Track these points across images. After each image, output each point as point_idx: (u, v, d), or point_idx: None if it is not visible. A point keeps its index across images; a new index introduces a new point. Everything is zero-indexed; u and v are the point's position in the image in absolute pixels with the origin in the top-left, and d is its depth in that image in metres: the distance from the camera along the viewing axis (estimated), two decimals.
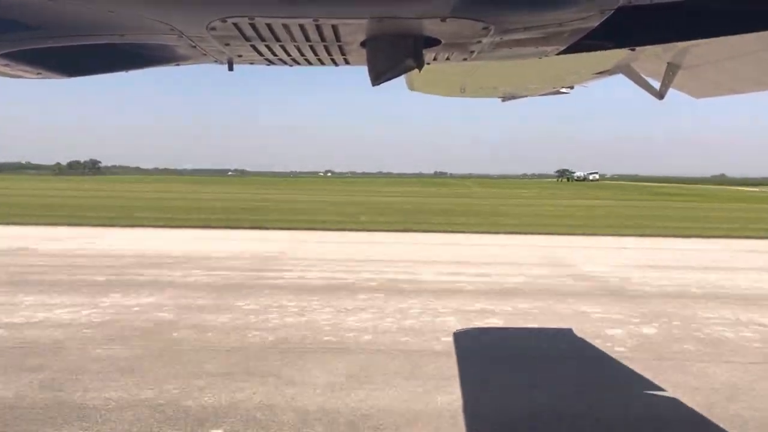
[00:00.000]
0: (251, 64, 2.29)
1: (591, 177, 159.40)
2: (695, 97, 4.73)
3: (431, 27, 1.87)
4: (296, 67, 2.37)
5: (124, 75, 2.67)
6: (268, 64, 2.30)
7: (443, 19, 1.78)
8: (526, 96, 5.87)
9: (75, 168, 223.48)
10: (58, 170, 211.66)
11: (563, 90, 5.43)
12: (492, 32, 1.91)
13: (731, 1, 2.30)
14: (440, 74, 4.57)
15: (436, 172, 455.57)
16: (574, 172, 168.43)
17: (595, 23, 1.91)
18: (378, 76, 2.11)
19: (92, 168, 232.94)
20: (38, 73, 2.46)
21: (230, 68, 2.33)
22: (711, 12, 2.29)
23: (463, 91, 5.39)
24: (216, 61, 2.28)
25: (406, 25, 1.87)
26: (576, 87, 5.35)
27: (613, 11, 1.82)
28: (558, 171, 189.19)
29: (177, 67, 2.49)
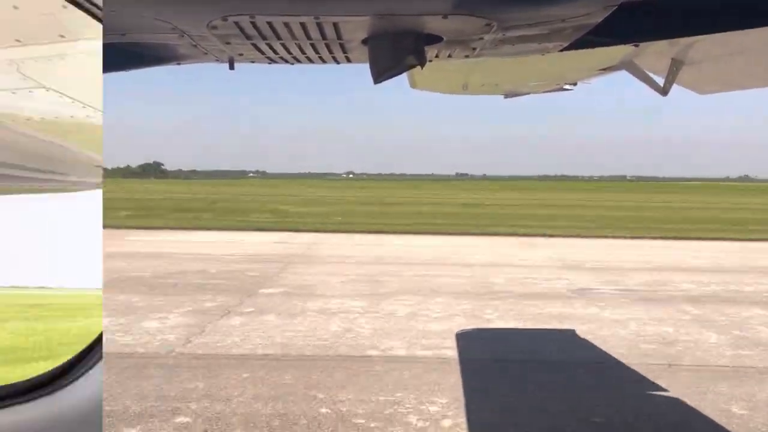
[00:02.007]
0: (252, 62, 2.28)
1: None
2: (700, 93, 4.69)
3: (433, 24, 1.85)
4: (303, 68, 2.35)
5: (129, 75, 2.66)
6: (270, 63, 2.28)
7: (445, 16, 1.76)
8: (529, 93, 5.84)
9: (148, 170, 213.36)
10: (137, 173, 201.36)
11: (566, 86, 5.39)
12: (494, 29, 1.89)
13: None
14: (442, 71, 4.54)
15: (457, 174, 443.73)
16: None
17: (598, 19, 1.89)
18: (380, 74, 2.09)
19: (158, 171, 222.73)
20: None
21: (231, 67, 2.32)
22: (715, 7, 2.26)
23: (465, 89, 5.35)
24: (217, 60, 2.27)
25: (407, 23, 1.85)
26: (579, 83, 5.31)
27: (616, 7, 1.81)
28: None
29: (182, 66, 2.47)
